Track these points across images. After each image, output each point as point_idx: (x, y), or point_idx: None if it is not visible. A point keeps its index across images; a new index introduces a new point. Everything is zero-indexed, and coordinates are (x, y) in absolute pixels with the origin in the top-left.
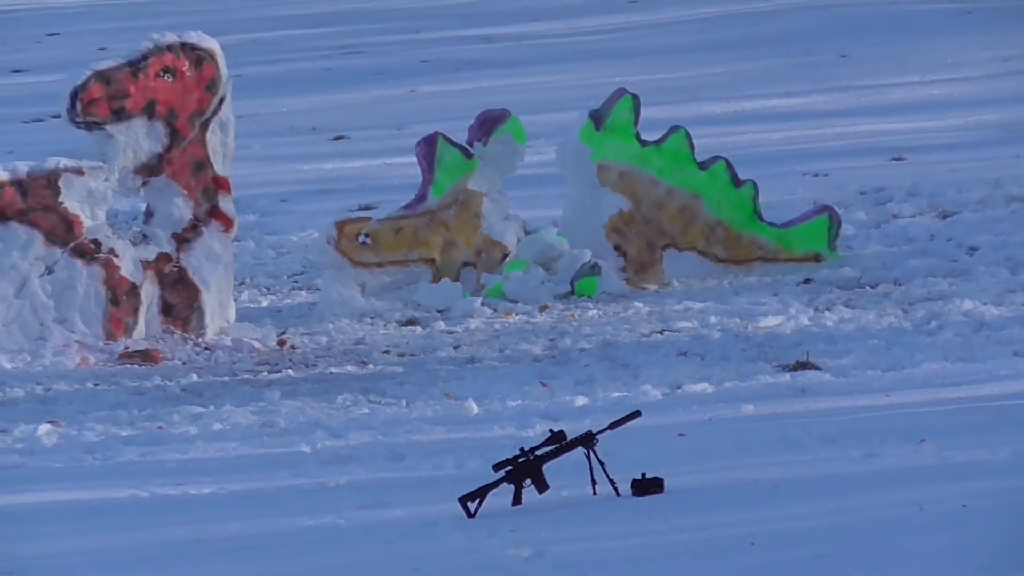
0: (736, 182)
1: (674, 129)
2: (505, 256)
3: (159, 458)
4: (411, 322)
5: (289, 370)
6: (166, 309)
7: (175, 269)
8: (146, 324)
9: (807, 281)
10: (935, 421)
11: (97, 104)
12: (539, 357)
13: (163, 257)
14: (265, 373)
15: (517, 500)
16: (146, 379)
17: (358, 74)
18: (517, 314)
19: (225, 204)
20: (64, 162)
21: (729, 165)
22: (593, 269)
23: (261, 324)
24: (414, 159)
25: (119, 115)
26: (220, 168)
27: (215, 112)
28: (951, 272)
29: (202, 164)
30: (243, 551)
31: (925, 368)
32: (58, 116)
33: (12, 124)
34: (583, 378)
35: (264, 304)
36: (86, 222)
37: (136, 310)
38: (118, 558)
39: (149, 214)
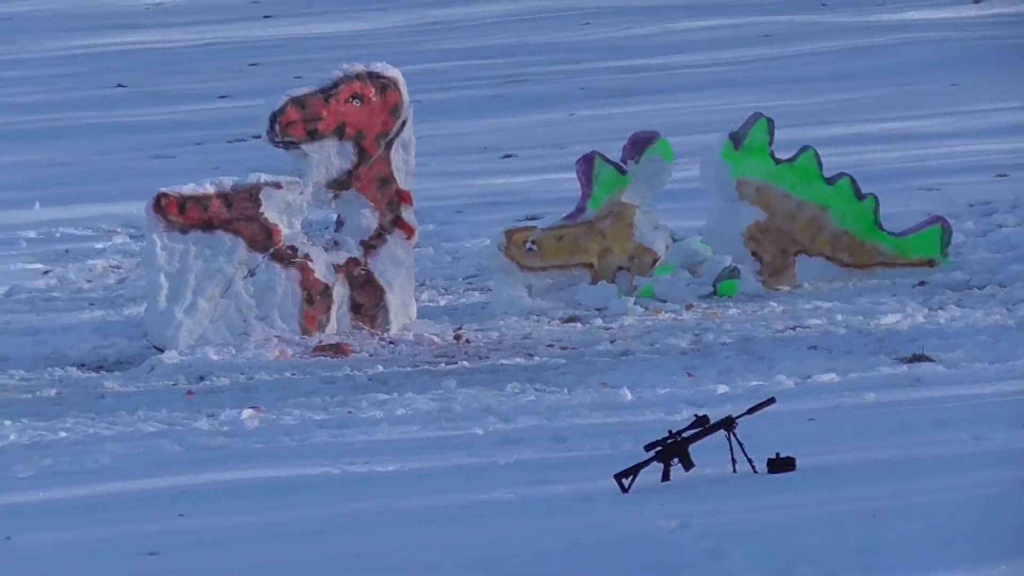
0: (859, 196)
1: (804, 149)
2: (655, 261)
3: (349, 439)
4: (572, 319)
5: (464, 362)
6: (355, 307)
7: (363, 272)
8: (337, 321)
9: (922, 283)
10: None
11: (294, 126)
12: (685, 350)
13: (352, 261)
14: (443, 364)
15: (666, 477)
16: (337, 370)
17: (523, 100)
18: (666, 312)
19: (407, 215)
20: (264, 177)
21: (853, 181)
22: (733, 272)
23: (439, 321)
24: (574, 175)
25: (313, 136)
26: (403, 183)
27: (398, 133)
28: None
29: (387, 179)
30: (423, 522)
31: None
32: (259, 137)
33: (218, 144)
34: (724, 369)
35: (442, 303)
36: (284, 230)
37: (328, 308)
38: (314, 528)
39: (340, 223)
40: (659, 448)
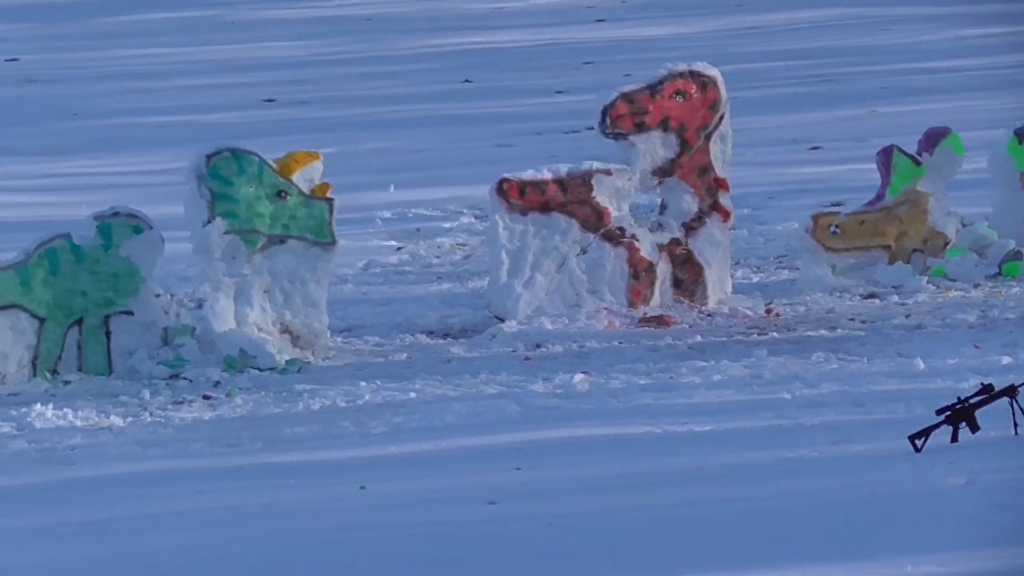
0: None
1: None
2: (946, 244)
3: (669, 402)
4: (871, 296)
5: (774, 333)
6: (676, 283)
7: (684, 251)
8: (660, 295)
9: None
10: None
11: (623, 119)
12: (973, 325)
13: (674, 242)
14: (755, 335)
15: (955, 438)
16: (660, 339)
17: (828, 97)
18: (955, 291)
19: (724, 200)
20: (596, 165)
21: None
22: (1017, 255)
23: (752, 296)
24: (874, 166)
25: (640, 128)
26: (720, 171)
27: (716, 127)
28: None
29: (706, 168)
30: (736, 477)
31: None
32: (591, 128)
33: (555, 134)
34: (1008, 342)
35: (754, 280)
36: (614, 213)
37: (652, 284)
38: (637, 480)
39: (663, 207)
40: (948, 412)
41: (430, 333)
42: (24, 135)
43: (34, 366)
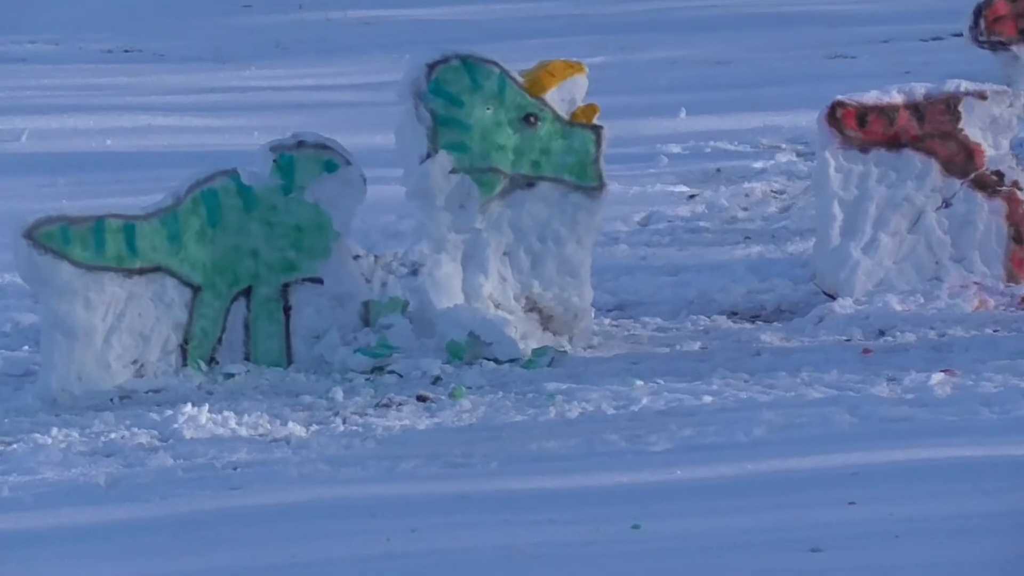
0: None
1: None
2: None
3: None
4: None
5: None
6: None
7: None
8: None
9: None
10: None
11: (1003, 23)
12: None
13: None
14: None
15: None
16: None
17: None
18: None
19: None
20: (965, 85)
21: None
22: None
23: None
24: None
25: None
26: None
27: None
28: None
29: None
30: None
31: None
32: (959, 35)
33: (909, 43)
34: None
35: None
36: (988, 151)
37: None
38: (1011, 522)
39: None
40: None
41: (733, 314)
42: (178, 34)
43: (184, 352)
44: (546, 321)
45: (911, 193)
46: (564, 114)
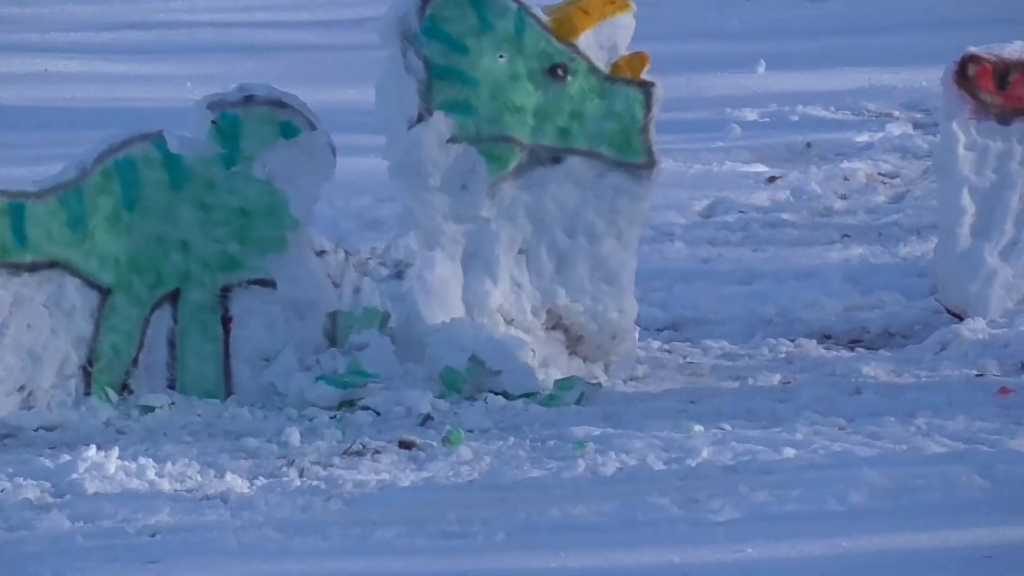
0: None
1: None
2: None
3: None
4: None
5: None
6: None
7: None
8: None
9: None
10: None
11: None
12: None
13: None
14: None
15: None
16: None
17: None
18: None
19: None
20: None
21: None
22: None
23: None
24: None
25: None
26: None
27: None
28: None
29: None
30: None
31: None
32: None
33: None
34: None
35: None
36: None
37: None
38: None
39: None
40: None
41: (825, 338)
42: None
43: (88, 377)
44: (574, 343)
45: None
46: (603, 66)
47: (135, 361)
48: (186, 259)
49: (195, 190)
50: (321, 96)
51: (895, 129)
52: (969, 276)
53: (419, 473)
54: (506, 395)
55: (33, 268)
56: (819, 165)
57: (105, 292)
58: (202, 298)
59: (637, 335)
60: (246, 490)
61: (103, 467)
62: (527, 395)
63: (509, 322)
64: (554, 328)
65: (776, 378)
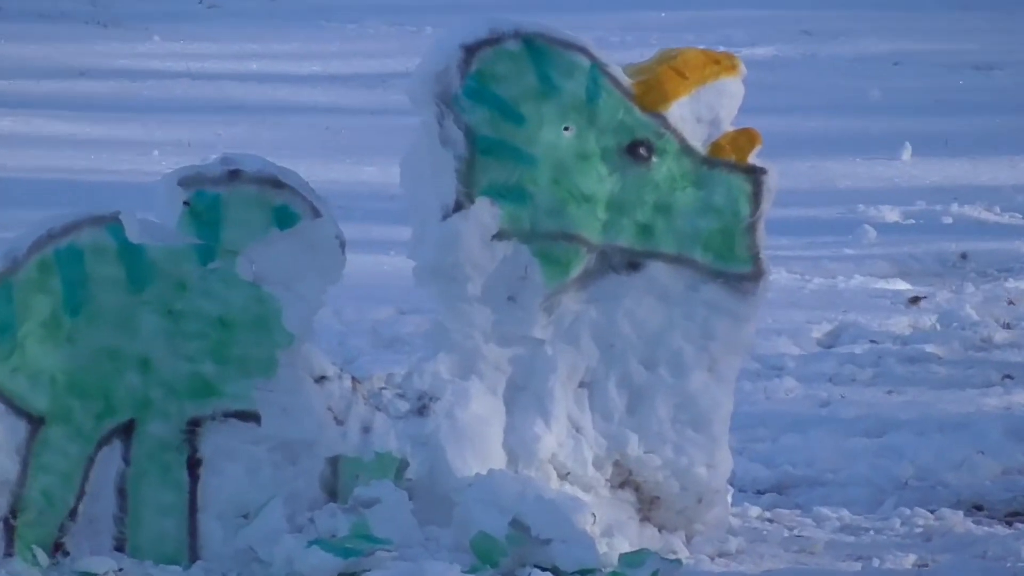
0: None
1: None
2: None
3: None
4: None
5: None
6: None
7: None
8: None
9: None
10: None
11: None
12: None
13: None
14: None
15: None
16: None
17: None
18: None
19: None
20: None
21: None
22: None
23: None
24: None
25: None
26: None
27: None
28: None
29: None
30: None
31: None
32: None
33: None
34: None
35: None
36: None
37: None
38: None
39: None
40: None
41: (976, 509)
42: None
43: (10, 531)
44: (649, 506)
45: None
46: (700, 145)
47: (73, 513)
48: (145, 382)
49: (160, 292)
50: (330, 174)
51: None
52: None
53: None
54: (556, 571)
55: None
56: (977, 283)
57: (36, 421)
58: (164, 433)
59: (731, 498)
60: None
61: None
62: (585, 572)
63: (564, 476)
64: (623, 486)
65: (910, 560)
